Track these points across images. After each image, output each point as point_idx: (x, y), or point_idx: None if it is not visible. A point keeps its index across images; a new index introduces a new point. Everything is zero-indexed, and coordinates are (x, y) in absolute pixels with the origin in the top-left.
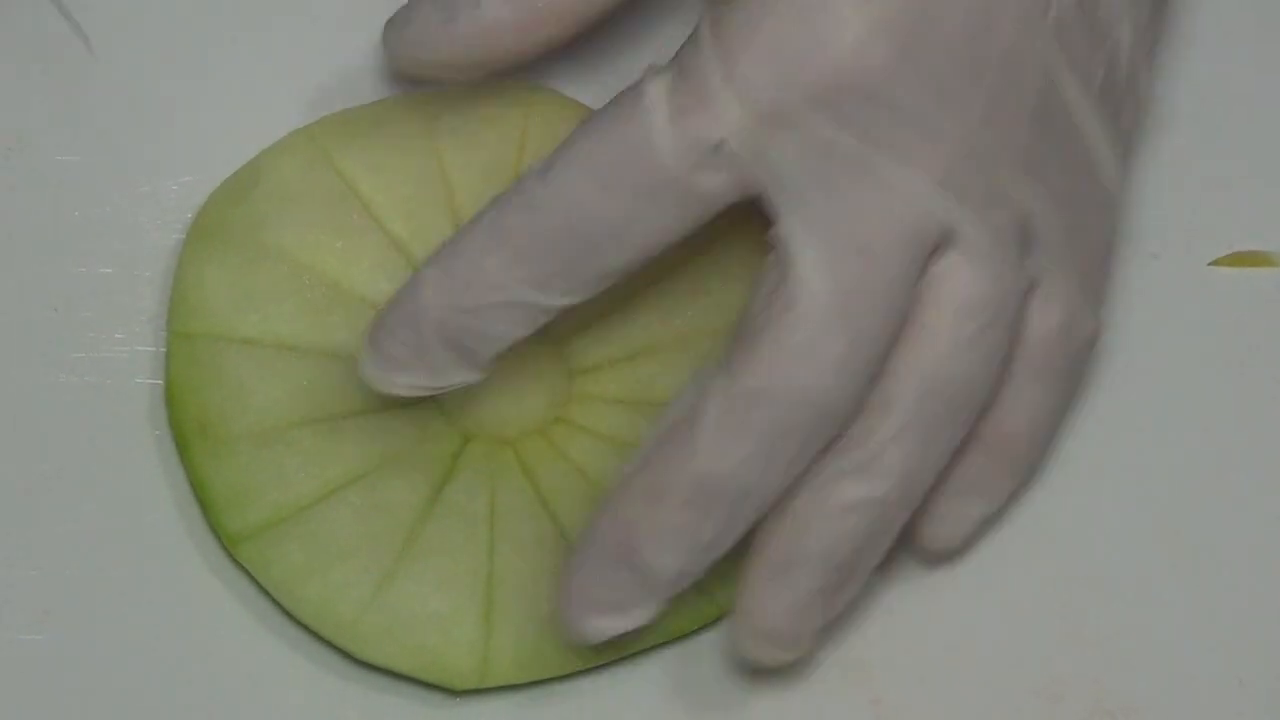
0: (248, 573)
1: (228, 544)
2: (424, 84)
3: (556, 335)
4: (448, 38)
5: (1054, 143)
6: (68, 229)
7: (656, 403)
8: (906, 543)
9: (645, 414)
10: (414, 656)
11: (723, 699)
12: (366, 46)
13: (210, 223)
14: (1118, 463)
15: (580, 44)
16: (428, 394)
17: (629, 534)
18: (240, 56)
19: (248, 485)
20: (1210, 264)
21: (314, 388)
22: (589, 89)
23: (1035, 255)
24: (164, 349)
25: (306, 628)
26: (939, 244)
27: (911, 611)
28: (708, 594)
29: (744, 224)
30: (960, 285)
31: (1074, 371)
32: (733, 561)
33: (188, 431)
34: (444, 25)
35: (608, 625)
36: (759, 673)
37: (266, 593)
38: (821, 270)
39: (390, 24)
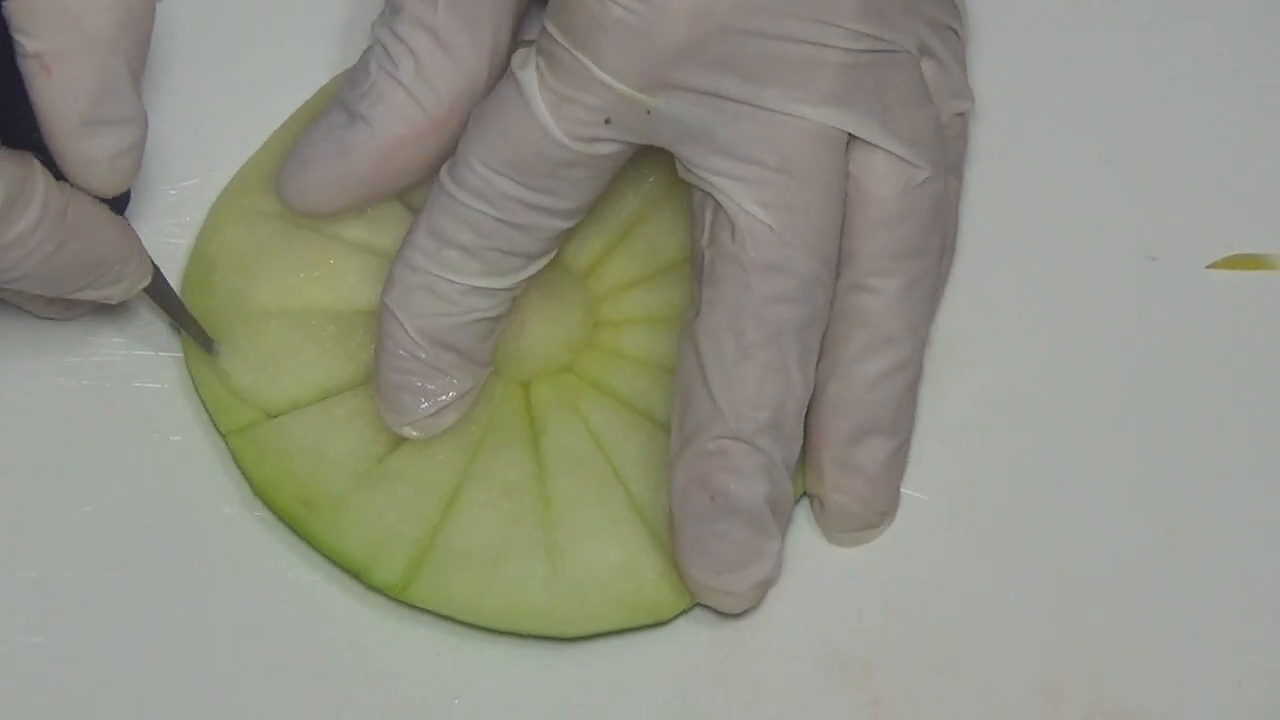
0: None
1: (395, 596)
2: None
3: (567, 260)
4: (349, 172)
5: None
6: None
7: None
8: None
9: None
10: (617, 611)
11: (723, 698)
12: (361, 48)
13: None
14: (1117, 463)
15: None
16: (461, 411)
17: (709, 490)
18: (235, 62)
19: (379, 534)
20: (1208, 267)
21: (371, 408)
22: None
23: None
24: (169, 354)
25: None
26: (851, 137)
27: (911, 611)
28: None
29: None
30: (881, 167)
31: (962, 154)
32: None
33: (296, 513)
34: (343, 160)
35: (749, 576)
36: (760, 672)
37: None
38: (753, 199)
39: (284, 176)
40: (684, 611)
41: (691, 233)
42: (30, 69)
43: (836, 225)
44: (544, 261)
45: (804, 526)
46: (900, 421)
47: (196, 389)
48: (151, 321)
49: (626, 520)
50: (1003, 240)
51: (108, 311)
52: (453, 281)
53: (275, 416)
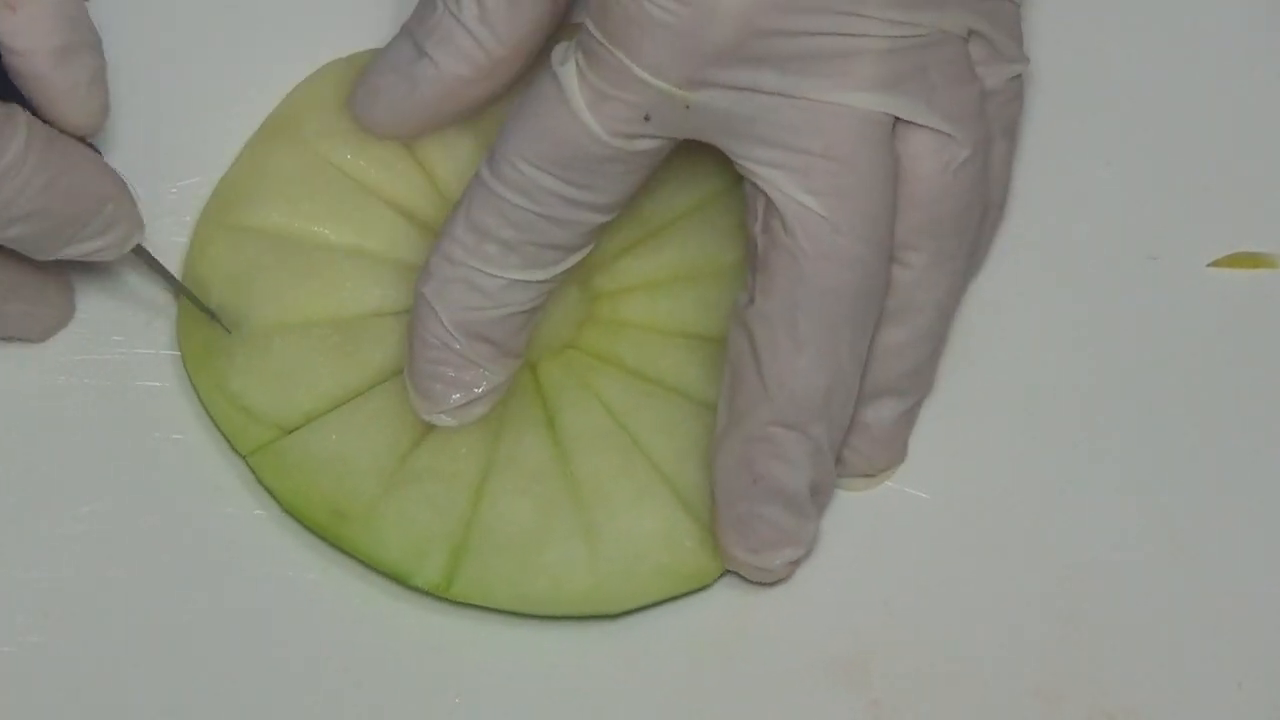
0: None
1: (440, 594)
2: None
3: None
4: (415, 105)
5: None
6: None
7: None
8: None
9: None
10: (660, 583)
11: (723, 698)
12: (363, 46)
13: (198, 349)
14: (1118, 462)
15: None
16: (492, 402)
17: (753, 474)
18: (234, 59)
19: (415, 536)
20: (1209, 265)
21: (399, 413)
22: None
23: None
24: (169, 352)
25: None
26: (896, 119)
27: (911, 611)
28: None
29: None
30: (924, 146)
31: (1017, 117)
32: None
33: (329, 525)
34: (410, 94)
35: (784, 556)
36: (760, 671)
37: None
38: (801, 187)
39: (356, 101)
40: (723, 575)
41: (745, 219)
42: None
43: (889, 209)
44: (582, 254)
45: None
46: (916, 385)
47: (209, 413)
48: (152, 320)
49: (656, 491)
50: (1003, 240)
51: (108, 311)
52: (492, 275)
53: (292, 431)
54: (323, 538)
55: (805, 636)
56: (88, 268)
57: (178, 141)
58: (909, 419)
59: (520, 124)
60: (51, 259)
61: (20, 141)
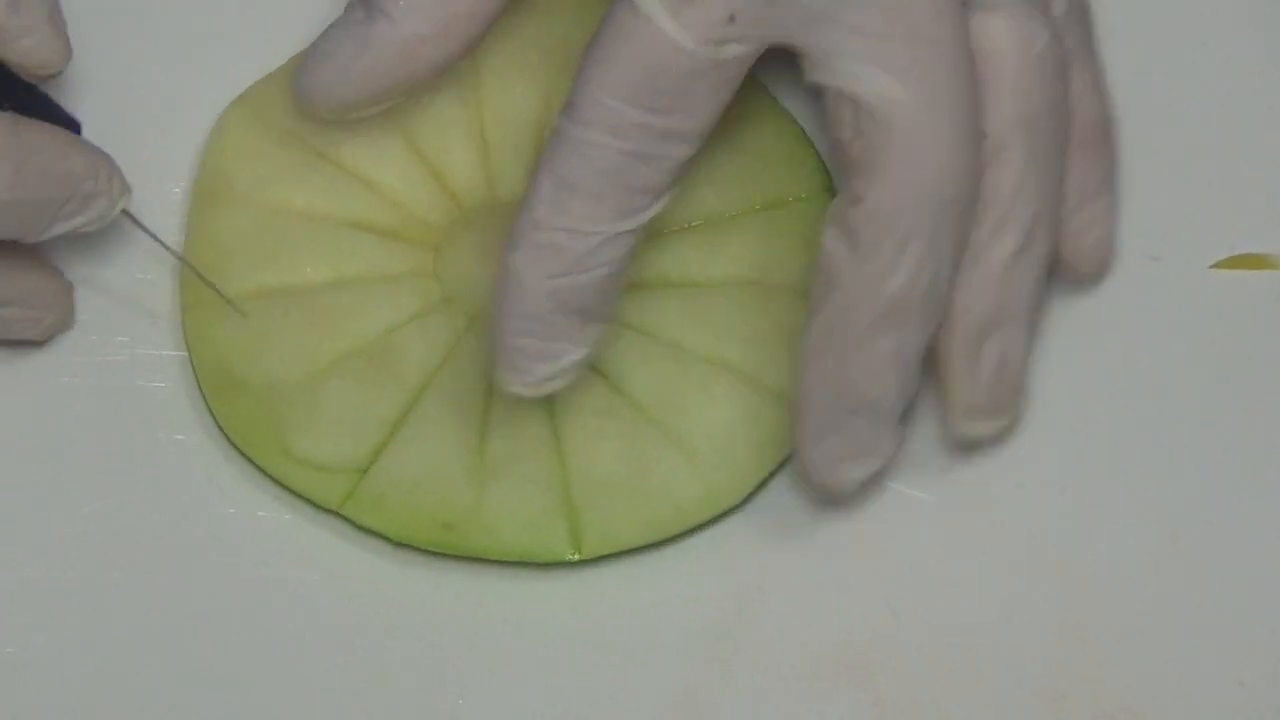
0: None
1: (577, 559)
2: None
3: None
4: (367, 65)
5: None
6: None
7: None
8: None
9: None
10: (759, 459)
11: (724, 697)
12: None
13: (244, 424)
14: (1120, 463)
15: None
16: (575, 374)
17: (842, 382)
18: (237, 58)
19: (529, 518)
20: (1212, 266)
21: (458, 412)
22: None
23: None
24: (172, 353)
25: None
26: (964, 3)
27: (913, 611)
28: None
29: None
30: (1002, 29)
31: (1092, 34)
32: None
33: (444, 540)
34: (360, 54)
35: (862, 470)
36: (761, 671)
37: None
38: (892, 78)
39: (300, 72)
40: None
41: (832, 133)
42: None
43: (973, 92)
44: (666, 200)
45: (804, 528)
46: (1031, 308)
47: (279, 482)
48: (156, 321)
49: (715, 378)
50: None
51: (111, 311)
52: (583, 234)
53: (367, 469)
54: (442, 554)
55: (808, 635)
56: (89, 265)
57: (179, 143)
58: (1026, 355)
59: (598, 59)
60: (42, 239)
61: None
